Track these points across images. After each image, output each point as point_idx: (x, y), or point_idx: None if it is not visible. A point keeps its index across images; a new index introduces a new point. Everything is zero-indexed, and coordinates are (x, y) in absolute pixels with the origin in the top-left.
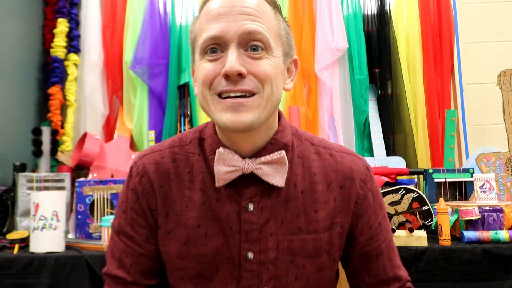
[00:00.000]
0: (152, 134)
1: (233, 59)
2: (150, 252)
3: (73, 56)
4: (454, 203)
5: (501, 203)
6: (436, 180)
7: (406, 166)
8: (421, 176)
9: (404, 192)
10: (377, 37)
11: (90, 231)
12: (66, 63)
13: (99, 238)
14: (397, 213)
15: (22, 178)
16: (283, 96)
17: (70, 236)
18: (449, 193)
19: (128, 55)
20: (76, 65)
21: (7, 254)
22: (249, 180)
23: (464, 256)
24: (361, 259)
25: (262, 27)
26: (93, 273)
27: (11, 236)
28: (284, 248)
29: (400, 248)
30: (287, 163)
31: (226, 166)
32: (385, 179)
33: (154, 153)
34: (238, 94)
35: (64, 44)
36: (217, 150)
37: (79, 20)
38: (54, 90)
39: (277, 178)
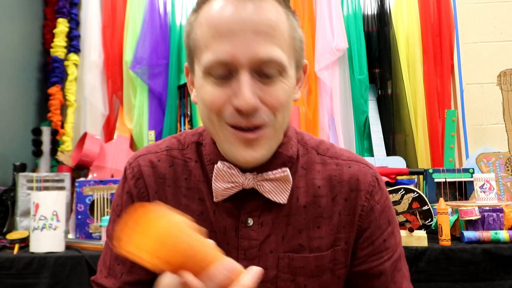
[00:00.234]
0: (152, 134)
1: (246, 92)
2: None
3: (73, 56)
4: (454, 203)
5: (501, 203)
6: (436, 180)
7: (406, 166)
8: (421, 176)
9: (404, 192)
10: (377, 37)
11: (90, 231)
12: (66, 63)
13: (99, 238)
14: (397, 213)
15: (22, 178)
16: None
17: (70, 236)
18: (449, 193)
19: (128, 55)
20: (76, 65)
21: (7, 254)
22: (249, 194)
23: (464, 256)
24: (361, 276)
25: (277, 50)
26: (93, 273)
27: (11, 236)
28: (285, 266)
29: None
30: (291, 180)
31: (225, 182)
32: (385, 179)
33: (150, 155)
34: (251, 126)
35: (64, 44)
36: (215, 166)
37: (79, 20)
38: (54, 90)
39: (279, 195)
